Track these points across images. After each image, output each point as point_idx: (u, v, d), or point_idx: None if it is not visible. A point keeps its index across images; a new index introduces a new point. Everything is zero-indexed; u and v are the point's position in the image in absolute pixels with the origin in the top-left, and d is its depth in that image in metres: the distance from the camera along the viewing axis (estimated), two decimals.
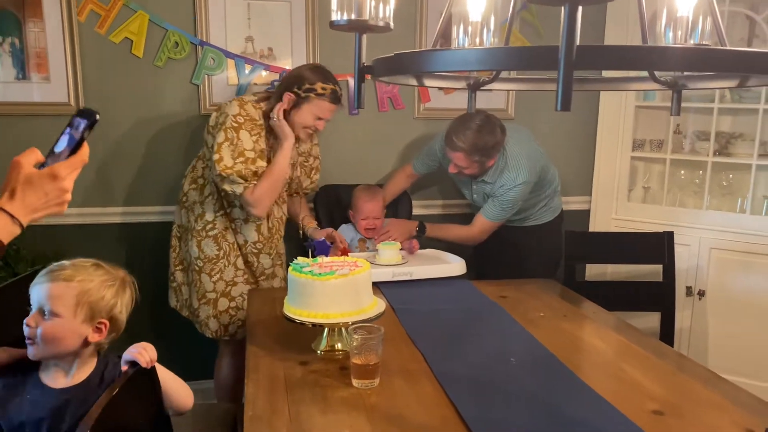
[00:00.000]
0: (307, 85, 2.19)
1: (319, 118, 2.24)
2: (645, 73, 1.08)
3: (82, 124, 0.99)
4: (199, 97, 2.71)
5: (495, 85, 1.26)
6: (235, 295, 2.35)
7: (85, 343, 1.38)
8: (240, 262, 2.36)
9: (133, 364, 1.34)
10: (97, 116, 1.00)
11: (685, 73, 1.19)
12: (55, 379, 1.40)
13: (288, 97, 2.20)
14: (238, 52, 2.70)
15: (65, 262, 1.41)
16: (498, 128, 2.41)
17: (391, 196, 2.77)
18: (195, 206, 2.33)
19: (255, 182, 2.18)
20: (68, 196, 0.97)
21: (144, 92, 2.67)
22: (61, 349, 1.37)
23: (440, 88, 2.90)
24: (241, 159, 2.15)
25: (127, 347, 1.42)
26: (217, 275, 2.32)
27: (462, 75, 1.28)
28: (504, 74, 1.23)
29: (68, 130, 1.01)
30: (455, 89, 2.88)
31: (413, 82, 1.18)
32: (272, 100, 2.26)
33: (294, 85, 2.21)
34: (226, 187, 2.18)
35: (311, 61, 2.73)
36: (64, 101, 2.59)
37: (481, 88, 1.24)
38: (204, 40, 2.65)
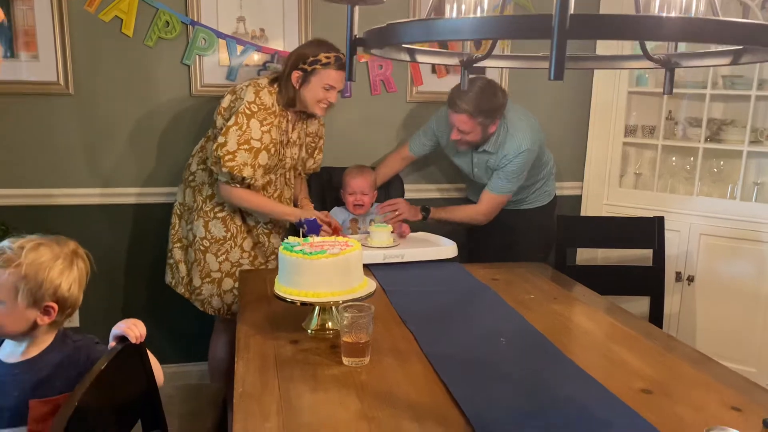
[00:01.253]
0: (311, 58, 2.21)
1: (329, 88, 2.26)
2: (639, 51, 1.08)
3: None
4: (190, 77, 2.68)
5: (488, 62, 1.25)
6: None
7: (35, 325, 1.34)
8: (247, 244, 2.39)
9: (121, 339, 1.33)
10: None
11: (678, 51, 1.19)
12: (9, 354, 1.37)
13: (296, 75, 2.23)
14: (230, 33, 2.67)
15: (5, 245, 1.35)
16: (500, 91, 2.43)
17: (384, 177, 2.77)
18: (203, 187, 2.35)
19: (243, 177, 2.20)
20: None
21: (134, 72, 2.64)
22: (8, 333, 1.34)
23: (433, 71, 2.90)
24: (246, 147, 2.17)
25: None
26: (223, 256, 2.35)
27: (455, 52, 1.27)
28: (497, 51, 1.22)
29: None
30: (448, 73, 2.91)
31: (405, 57, 1.17)
32: (282, 83, 2.27)
33: (299, 62, 2.23)
34: (215, 168, 2.21)
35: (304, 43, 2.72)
36: (53, 80, 2.56)
37: (475, 64, 1.23)
38: (195, 20, 2.62)
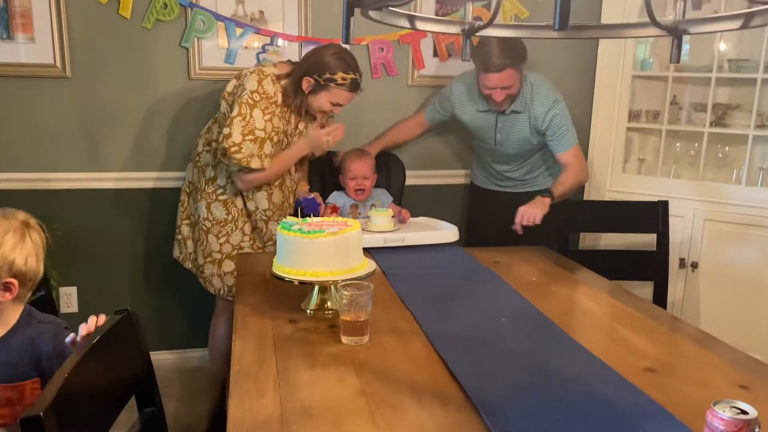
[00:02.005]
0: (328, 75, 2.18)
1: (337, 105, 2.26)
2: (645, 19, 1.05)
3: None
4: (188, 60, 2.65)
5: (490, 31, 1.22)
6: None
7: None
8: (248, 228, 2.38)
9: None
10: None
11: (686, 18, 1.16)
12: None
13: (307, 83, 2.21)
14: (229, 15, 2.64)
15: None
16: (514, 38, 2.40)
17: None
18: (207, 168, 2.35)
19: (251, 168, 2.18)
20: None
21: (132, 55, 2.61)
22: None
23: (435, 55, 2.87)
24: (250, 137, 2.15)
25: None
26: (224, 238, 2.35)
27: (456, 20, 1.24)
28: (499, 20, 1.19)
29: None
30: (450, 56, 2.87)
31: (405, 23, 1.13)
32: (291, 81, 2.24)
33: (315, 71, 2.20)
34: (224, 161, 2.22)
35: (303, 27, 2.70)
36: (50, 63, 2.53)
37: (476, 33, 1.20)
38: (193, 1, 2.59)
